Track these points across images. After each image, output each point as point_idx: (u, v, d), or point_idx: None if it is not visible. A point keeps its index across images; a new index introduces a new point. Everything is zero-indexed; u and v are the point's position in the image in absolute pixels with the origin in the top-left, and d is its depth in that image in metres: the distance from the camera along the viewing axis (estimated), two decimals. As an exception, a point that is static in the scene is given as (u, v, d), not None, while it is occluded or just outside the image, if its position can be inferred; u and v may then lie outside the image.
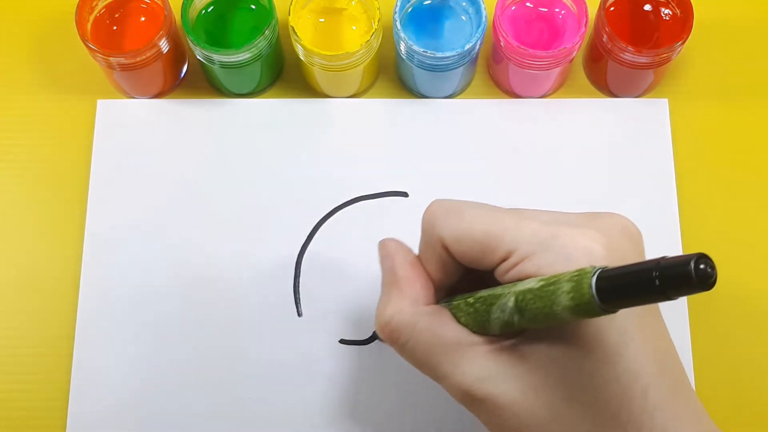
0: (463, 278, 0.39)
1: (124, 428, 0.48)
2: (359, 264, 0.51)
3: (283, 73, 0.55)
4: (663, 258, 0.29)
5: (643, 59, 0.50)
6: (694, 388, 0.41)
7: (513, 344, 0.36)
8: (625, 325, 0.35)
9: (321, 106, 0.54)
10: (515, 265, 0.35)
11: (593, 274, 0.31)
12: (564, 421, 0.35)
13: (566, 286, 0.32)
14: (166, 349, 0.50)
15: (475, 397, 0.36)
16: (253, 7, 0.52)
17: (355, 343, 0.50)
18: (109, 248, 0.51)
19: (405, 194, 0.52)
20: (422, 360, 0.37)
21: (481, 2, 0.50)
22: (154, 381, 0.49)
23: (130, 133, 0.53)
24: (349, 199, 0.52)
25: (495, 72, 0.54)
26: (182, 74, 0.55)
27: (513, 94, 0.54)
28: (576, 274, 0.31)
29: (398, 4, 0.49)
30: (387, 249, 0.40)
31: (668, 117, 0.53)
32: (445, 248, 0.37)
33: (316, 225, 0.52)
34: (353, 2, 0.51)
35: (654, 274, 0.28)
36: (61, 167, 0.53)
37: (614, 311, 0.31)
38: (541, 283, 0.33)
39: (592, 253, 0.34)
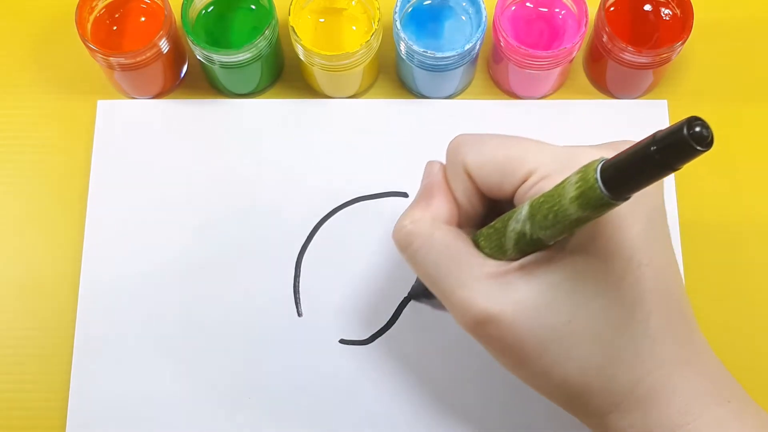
0: (487, 218, 0.39)
1: (124, 428, 0.49)
2: (359, 264, 0.51)
3: (283, 73, 0.55)
4: (657, 132, 0.29)
5: (643, 59, 0.50)
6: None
7: (522, 265, 0.36)
8: (633, 250, 0.35)
9: (321, 106, 0.54)
10: (535, 184, 0.36)
11: (598, 164, 0.31)
12: (564, 343, 0.36)
13: (574, 178, 0.32)
14: (166, 349, 0.50)
15: (477, 318, 0.36)
16: (253, 7, 0.52)
17: (355, 343, 0.50)
18: (109, 248, 0.51)
19: (405, 194, 0.52)
20: (431, 271, 0.38)
21: (481, 2, 0.50)
22: (154, 381, 0.49)
23: (130, 133, 0.53)
24: (349, 199, 0.52)
25: (495, 72, 0.54)
26: (182, 74, 0.55)
27: (513, 95, 0.54)
28: (583, 167, 0.32)
29: (398, 4, 0.49)
30: (431, 168, 0.41)
31: (668, 118, 0.53)
32: (469, 176, 0.38)
33: (316, 225, 0.52)
34: (353, 2, 0.51)
35: (651, 148, 0.29)
36: (61, 167, 0.53)
37: (621, 199, 0.31)
38: (553, 187, 0.34)
39: None
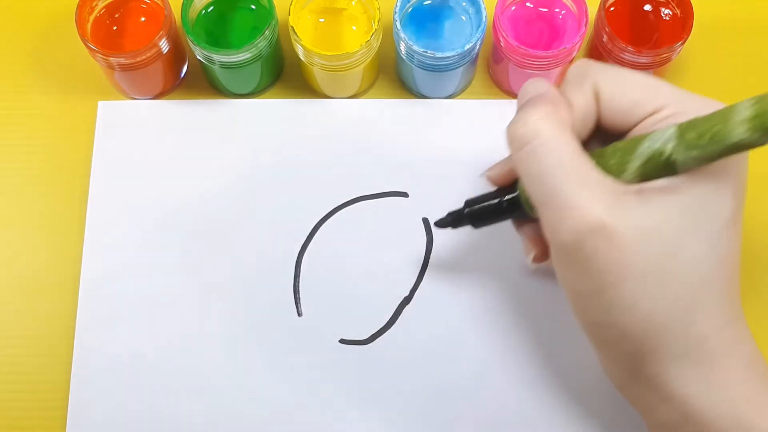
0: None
1: (124, 428, 0.49)
2: (359, 264, 0.51)
3: (283, 73, 0.55)
4: None
5: (643, 59, 0.50)
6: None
7: (642, 189, 0.36)
8: (741, 203, 0.37)
9: (321, 107, 0.54)
10: (670, 116, 0.37)
11: None
12: (665, 275, 0.36)
13: (747, 103, 0.33)
14: (166, 350, 0.50)
15: (592, 224, 0.35)
16: (253, 7, 0.52)
17: (355, 343, 0.50)
18: (109, 248, 0.51)
19: (405, 194, 0.52)
20: (549, 171, 0.36)
21: (481, 2, 0.50)
22: (154, 381, 0.49)
23: (131, 133, 0.53)
24: (350, 199, 0.52)
25: (495, 72, 0.54)
26: (182, 74, 0.55)
27: (513, 94, 0.54)
28: (760, 95, 0.33)
29: (398, 4, 0.49)
30: (538, 82, 0.40)
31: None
32: (596, 96, 0.38)
33: (316, 225, 0.52)
34: (353, 2, 0.51)
35: None
36: (62, 167, 0.53)
37: None
38: (716, 111, 0.35)
39: None
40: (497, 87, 0.55)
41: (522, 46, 0.49)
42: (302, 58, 0.51)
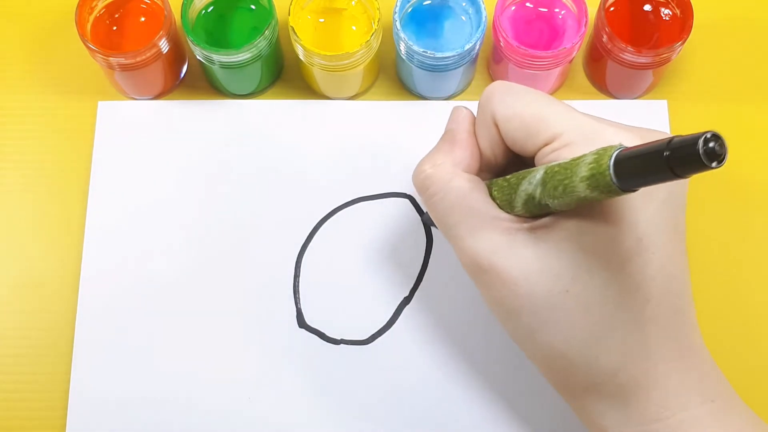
0: (508, 168, 0.40)
1: (124, 428, 0.49)
2: (359, 264, 0.51)
3: (283, 74, 0.55)
4: (675, 137, 0.29)
5: (642, 59, 0.50)
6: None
7: (532, 226, 0.37)
8: (643, 234, 0.35)
9: (321, 107, 0.54)
10: (556, 150, 0.36)
11: (614, 151, 0.31)
12: (556, 310, 0.36)
13: (589, 158, 0.32)
14: (166, 349, 0.50)
15: (481, 267, 0.37)
16: (253, 7, 0.52)
17: (355, 343, 0.50)
18: (109, 248, 0.51)
19: (405, 195, 0.52)
20: (443, 216, 0.39)
21: (481, 2, 0.50)
22: (154, 381, 0.49)
23: (131, 133, 0.53)
24: (350, 199, 0.52)
25: (495, 72, 0.54)
26: (182, 74, 0.55)
27: (513, 94, 0.54)
28: (601, 149, 0.32)
29: (398, 4, 0.49)
30: (458, 114, 0.41)
31: (668, 118, 0.53)
32: (496, 126, 0.39)
33: (316, 225, 0.52)
34: (353, 2, 0.51)
35: (665, 153, 0.28)
36: (62, 168, 0.53)
37: (629, 190, 0.31)
38: (571, 159, 0.34)
39: None
40: (497, 87, 0.55)
41: (522, 46, 0.49)
42: (302, 59, 0.51)
